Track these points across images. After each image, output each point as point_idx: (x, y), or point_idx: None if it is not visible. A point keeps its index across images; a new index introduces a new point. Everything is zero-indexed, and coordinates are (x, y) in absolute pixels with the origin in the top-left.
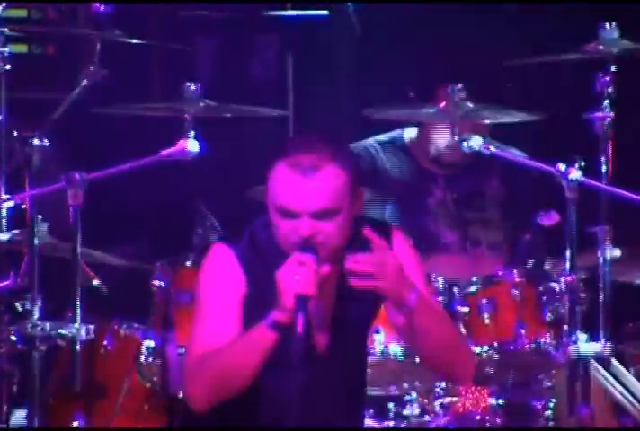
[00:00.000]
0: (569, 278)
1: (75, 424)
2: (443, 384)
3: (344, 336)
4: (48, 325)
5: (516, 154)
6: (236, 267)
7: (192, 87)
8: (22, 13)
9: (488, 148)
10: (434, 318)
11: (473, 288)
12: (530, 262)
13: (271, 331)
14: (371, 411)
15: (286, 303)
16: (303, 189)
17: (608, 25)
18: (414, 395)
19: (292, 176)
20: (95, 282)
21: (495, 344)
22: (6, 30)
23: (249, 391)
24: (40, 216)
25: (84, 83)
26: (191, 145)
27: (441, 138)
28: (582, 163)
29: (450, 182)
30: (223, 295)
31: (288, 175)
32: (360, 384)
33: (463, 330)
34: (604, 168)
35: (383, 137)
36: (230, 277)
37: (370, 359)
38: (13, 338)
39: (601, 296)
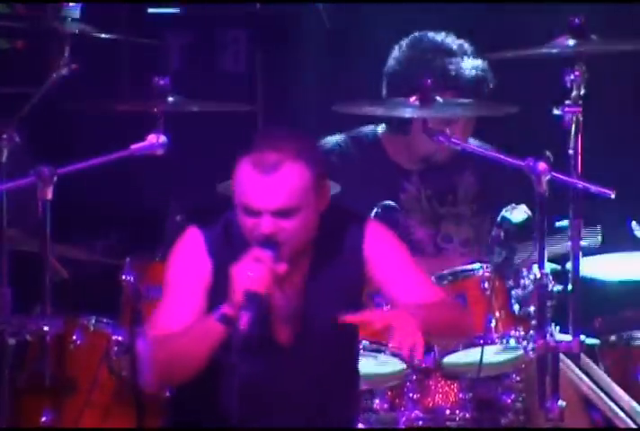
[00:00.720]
0: (538, 272)
1: (44, 419)
2: (414, 377)
3: (311, 329)
4: (16, 320)
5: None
6: (204, 253)
7: (161, 82)
8: None
9: (460, 144)
10: (435, 317)
11: (443, 283)
12: (500, 256)
13: (219, 324)
14: None
15: (235, 298)
16: (263, 188)
17: (577, 20)
18: (383, 389)
19: (254, 174)
20: (63, 276)
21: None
22: None
23: (216, 375)
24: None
25: (54, 77)
26: (161, 140)
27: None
28: (552, 158)
29: (424, 178)
30: (185, 280)
31: (250, 173)
32: (339, 377)
33: None
34: (573, 162)
35: (354, 133)
36: (195, 263)
37: None
38: None
39: (571, 290)
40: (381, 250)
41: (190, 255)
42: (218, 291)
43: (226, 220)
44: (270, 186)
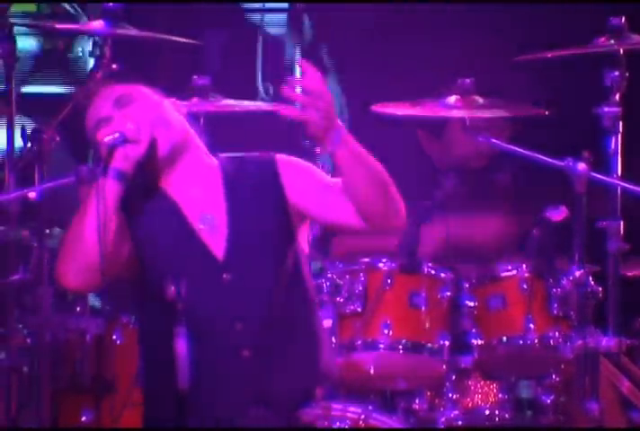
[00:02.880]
0: (578, 273)
1: (84, 419)
2: (453, 377)
3: (244, 246)
4: (57, 319)
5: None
6: None
7: (201, 81)
8: (31, 7)
9: (500, 145)
10: (359, 156)
11: (482, 283)
12: (539, 257)
13: (105, 181)
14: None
15: (103, 154)
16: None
17: (617, 20)
18: (423, 390)
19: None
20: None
21: (504, 338)
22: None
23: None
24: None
25: (94, 78)
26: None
27: (467, 146)
28: (592, 158)
29: (460, 176)
30: None
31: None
32: (287, 293)
33: (472, 325)
34: (613, 162)
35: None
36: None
37: (379, 353)
38: (23, 332)
39: (610, 291)
40: (298, 175)
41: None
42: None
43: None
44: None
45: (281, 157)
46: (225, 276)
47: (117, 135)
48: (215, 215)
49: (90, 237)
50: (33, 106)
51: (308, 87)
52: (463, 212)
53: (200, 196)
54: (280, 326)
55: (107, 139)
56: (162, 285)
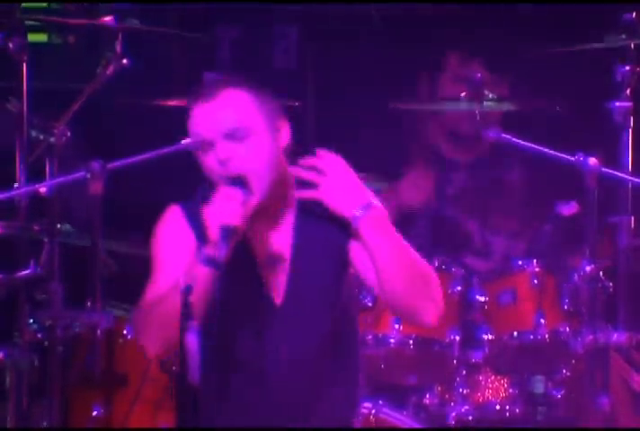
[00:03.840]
0: (589, 268)
1: (95, 413)
2: (463, 372)
3: (305, 281)
4: (68, 314)
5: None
6: (184, 223)
7: (213, 77)
8: (41, 4)
9: (511, 140)
10: (391, 240)
11: (492, 278)
12: (550, 252)
13: (204, 267)
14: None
15: (213, 236)
16: (208, 114)
17: (629, 15)
18: (434, 385)
19: (198, 107)
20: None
21: (515, 333)
22: (27, 20)
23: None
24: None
25: (105, 73)
26: None
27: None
28: (603, 153)
29: (471, 170)
30: (171, 249)
31: (195, 108)
32: (336, 336)
33: (482, 320)
34: (624, 157)
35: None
36: (179, 236)
37: (389, 349)
38: (34, 327)
39: (621, 286)
40: (342, 177)
41: (172, 227)
42: None
43: (202, 193)
44: (213, 109)
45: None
46: (279, 318)
47: (234, 219)
48: (279, 253)
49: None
50: (44, 101)
51: (324, 168)
52: (473, 207)
53: (270, 233)
54: (327, 361)
55: (223, 226)
56: (215, 319)
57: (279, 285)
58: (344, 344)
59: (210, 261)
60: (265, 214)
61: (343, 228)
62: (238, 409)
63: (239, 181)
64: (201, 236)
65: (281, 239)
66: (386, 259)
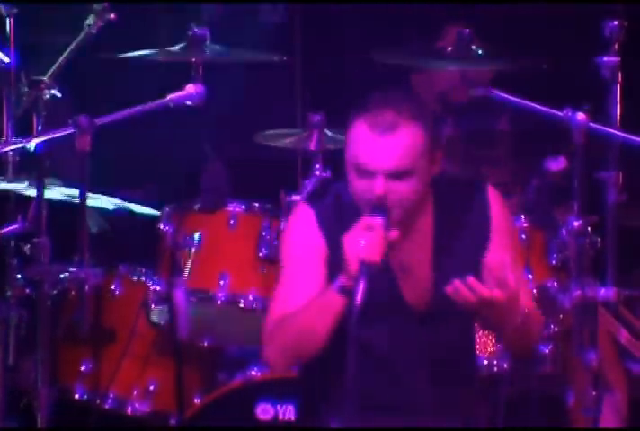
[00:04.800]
0: (577, 223)
1: (83, 368)
2: None
3: (442, 294)
4: (56, 270)
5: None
6: (316, 229)
7: (199, 32)
8: None
9: (500, 96)
10: (524, 329)
11: None
12: (538, 208)
13: (339, 296)
14: None
15: (350, 269)
16: (379, 148)
17: None
18: None
19: (369, 134)
20: (105, 227)
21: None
22: None
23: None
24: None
25: (92, 27)
26: (199, 90)
27: (445, 80)
28: (591, 108)
29: (459, 120)
30: (301, 257)
31: (365, 133)
32: (467, 351)
33: None
34: (613, 112)
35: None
36: (309, 239)
37: None
38: (22, 282)
39: (609, 242)
40: (500, 224)
41: (303, 231)
42: (335, 264)
43: (336, 192)
44: (386, 146)
45: (492, 191)
46: (419, 327)
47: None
48: (417, 260)
49: (316, 341)
50: (32, 55)
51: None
52: (461, 158)
53: (406, 239)
54: (455, 364)
55: (364, 259)
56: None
57: (418, 295)
58: (467, 347)
59: (346, 292)
60: (403, 226)
61: (480, 243)
62: (368, 404)
63: (382, 209)
64: (333, 241)
65: (420, 248)
66: (504, 338)
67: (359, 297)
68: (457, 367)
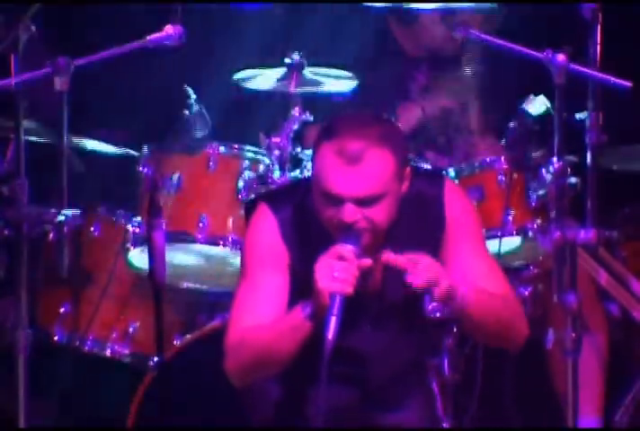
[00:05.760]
0: (557, 165)
1: (62, 310)
2: None
3: (397, 294)
4: (35, 211)
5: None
6: (278, 236)
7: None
8: None
9: (479, 36)
10: (484, 311)
11: (461, 176)
12: (518, 149)
13: (308, 322)
14: None
15: (321, 300)
16: (347, 176)
17: None
18: None
19: (336, 162)
20: (80, 170)
21: (483, 231)
22: None
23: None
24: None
25: None
26: (177, 31)
27: (437, 31)
28: (571, 50)
29: (433, 66)
30: (264, 264)
31: (332, 160)
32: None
33: None
34: (593, 54)
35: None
36: (271, 246)
37: None
38: (1, 224)
39: (589, 183)
40: (455, 217)
41: (265, 237)
42: (297, 274)
43: (299, 205)
44: (354, 175)
45: (450, 184)
46: (371, 324)
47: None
48: (372, 259)
49: (279, 361)
50: None
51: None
52: (438, 101)
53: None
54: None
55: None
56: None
57: (371, 291)
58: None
59: (315, 318)
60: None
61: (435, 239)
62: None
63: (353, 236)
64: (294, 256)
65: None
66: (471, 330)
67: (331, 333)
68: (411, 366)
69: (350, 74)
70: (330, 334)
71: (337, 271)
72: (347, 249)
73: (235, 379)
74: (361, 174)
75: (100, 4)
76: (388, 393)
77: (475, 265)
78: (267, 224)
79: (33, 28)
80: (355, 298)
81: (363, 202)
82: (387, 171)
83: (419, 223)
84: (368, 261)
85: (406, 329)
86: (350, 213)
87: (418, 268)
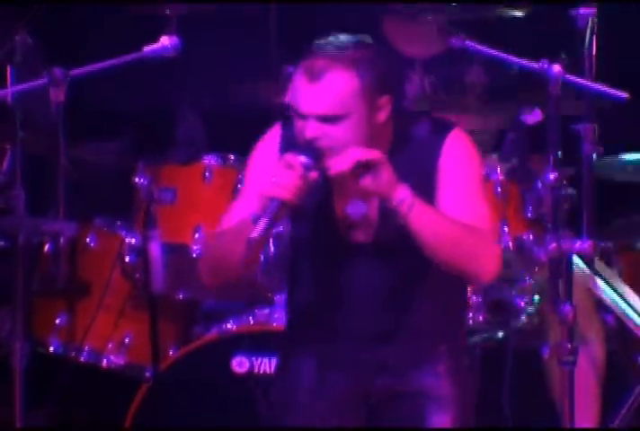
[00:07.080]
0: (552, 176)
1: (58, 321)
2: None
3: (388, 229)
4: (31, 222)
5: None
6: (275, 151)
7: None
8: None
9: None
10: (439, 232)
11: None
12: (514, 160)
13: (251, 224)
14: None
15: (263, 203)
16: (308, 93)
17: None
18: None
19: (302, 79)
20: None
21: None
22: None
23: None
24: None
25: None
26: (173, 42)
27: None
28: (567, 60)
29: (428, 66)
30: (256, 176)
31: (300, 79)
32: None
33: None
34: (588, 64)
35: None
36: (268, 160)
37: None
38: None
39: (585, 194)
40: (449, 162)
41: (264, 152)
42: None
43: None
44: (314, 92)
45: (456, 133)
46: (367, 259)
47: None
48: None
49: (232, 263)
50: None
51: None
52: (435, 107)
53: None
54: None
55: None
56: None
57: (366, 228)
58: (423, 277)
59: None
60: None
61: (427, 181)
62: (326, 334)
63: (312, 153)
64: None
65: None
66: (426, 246)
67: (255, 232)
68: (412, 296)
69: None
70: (254, 233)
71: (279, 178)
72: (296, 159)
73: (204, 278)
74: (320, 91)
75: (95, 14)
76: (399, 341)
77: (459, 204)
78: (270, 138)
79: (29, 39)
80: (351, 237)
81: (325, 119)
82: (347, 91)
83: (411, 168)
84: (314, 174)
85: (406, 270)
86: (311, 129)
87: (348, 151)
